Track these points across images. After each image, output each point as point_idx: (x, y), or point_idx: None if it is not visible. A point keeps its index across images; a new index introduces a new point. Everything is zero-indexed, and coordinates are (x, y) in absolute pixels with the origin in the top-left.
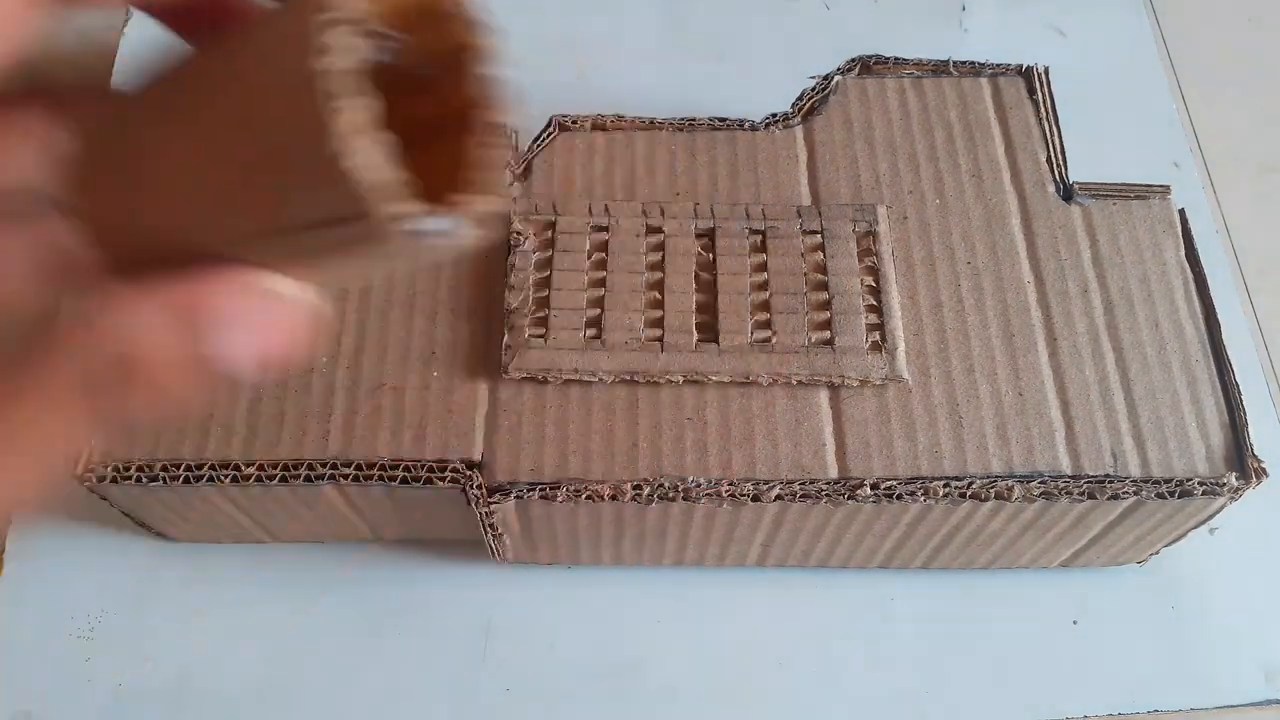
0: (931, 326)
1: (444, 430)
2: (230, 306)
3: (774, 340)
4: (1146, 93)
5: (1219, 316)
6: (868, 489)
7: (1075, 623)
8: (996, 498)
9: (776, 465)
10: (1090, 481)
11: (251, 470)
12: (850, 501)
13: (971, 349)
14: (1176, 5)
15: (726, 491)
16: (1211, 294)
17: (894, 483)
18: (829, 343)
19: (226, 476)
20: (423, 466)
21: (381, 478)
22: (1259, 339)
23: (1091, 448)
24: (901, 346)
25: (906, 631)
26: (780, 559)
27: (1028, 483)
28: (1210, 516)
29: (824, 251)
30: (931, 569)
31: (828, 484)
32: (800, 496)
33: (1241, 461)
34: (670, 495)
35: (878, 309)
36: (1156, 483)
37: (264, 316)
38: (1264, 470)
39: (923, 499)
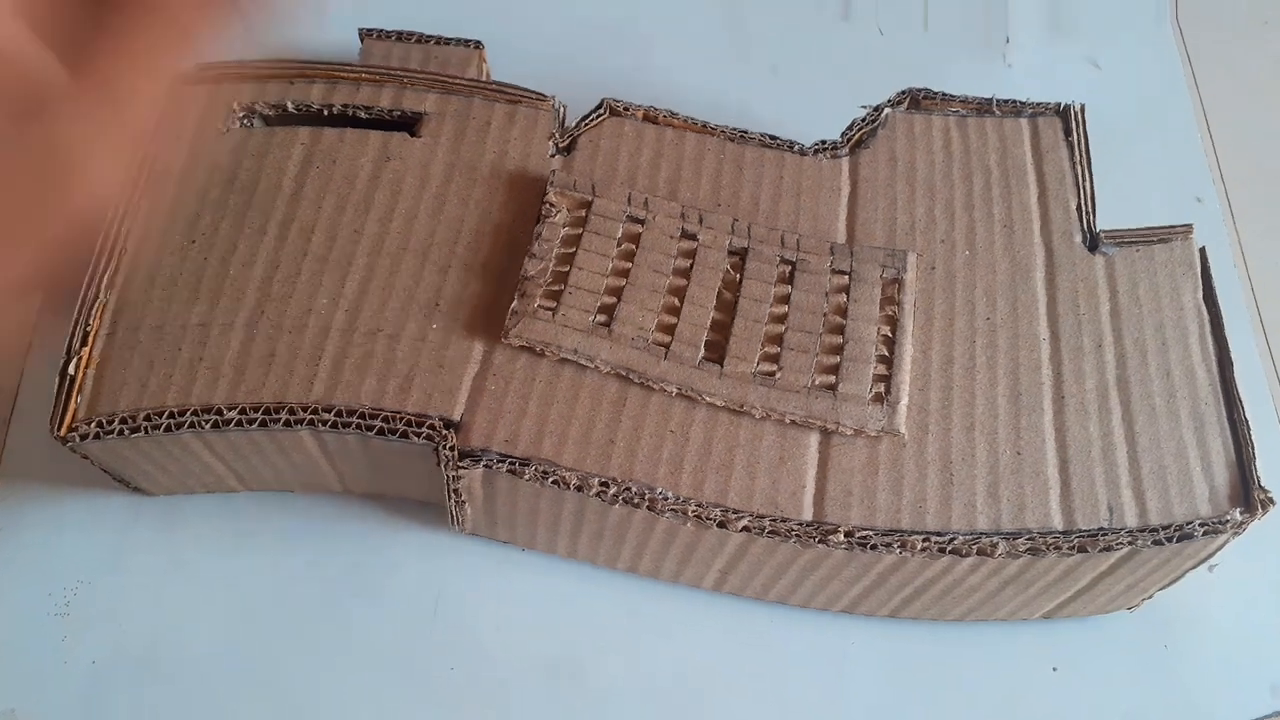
0: (939, 383)
1: (430, 384)
2: None
3: (777, 375)
4: (1174, 125)
5: (1234, 353)
6: (841, 535)
7: (1055, 670)
8: (979, 554)
9: (750, 498)
10: (1082, 536)
11: (232, 415)
12: (820, 545)
13: (975, 408)
14: (1204, 37)
15: (693, 512)
16: (1227, 333)
17: (870, 533)
18: (832, 387)
19: (207, 422)
20: (400, 419)
21: (359, 426)
22: (1272, 371)
23: (1087, 503)
24: (904, 401)
25: (867, 676)
26: (737, 588)
27: (1014, 539)
28: (1211, 554)
29: (848, 294)
30: (900, 618)
31: (800, 525)
32: (768, 533)
33: (1247, 494)
34: (635, 501)
35: (888, 360)
36: (1154, 530)
37: None
38: (1270, 500)
39: (899, 551)
